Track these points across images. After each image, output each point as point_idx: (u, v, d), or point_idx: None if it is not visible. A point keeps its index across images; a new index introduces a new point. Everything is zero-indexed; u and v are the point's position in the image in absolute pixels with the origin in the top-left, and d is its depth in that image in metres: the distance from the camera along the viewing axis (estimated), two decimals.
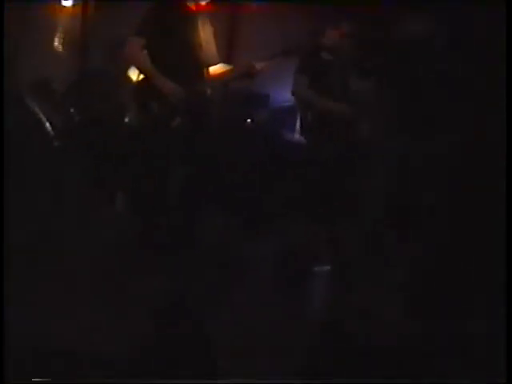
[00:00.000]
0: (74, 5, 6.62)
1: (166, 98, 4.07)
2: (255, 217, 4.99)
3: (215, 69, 4.40)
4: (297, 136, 5.12)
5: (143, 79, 4.21)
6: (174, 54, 4.18)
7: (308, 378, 2.95)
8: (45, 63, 6.19)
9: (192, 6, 4.31)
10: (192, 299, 3.49)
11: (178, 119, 4.11)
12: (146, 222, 4.19)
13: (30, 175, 4.42)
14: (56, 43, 6.50)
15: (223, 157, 4.78)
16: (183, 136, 4.16)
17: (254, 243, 4.62)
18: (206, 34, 4.38)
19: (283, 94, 5.36)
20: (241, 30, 6.72)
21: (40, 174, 4.56)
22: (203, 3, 4.32)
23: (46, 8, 6.56)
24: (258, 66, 4.27)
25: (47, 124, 4.93)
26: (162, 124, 4.11)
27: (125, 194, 4.78)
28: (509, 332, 2.97)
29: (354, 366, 2.99)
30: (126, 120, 5.11)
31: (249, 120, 5.71)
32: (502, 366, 2.87)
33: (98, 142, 5.05)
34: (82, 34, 6.52)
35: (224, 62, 4.58)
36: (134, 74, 4.37)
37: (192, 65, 4.24)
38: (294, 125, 5.30)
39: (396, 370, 3.12)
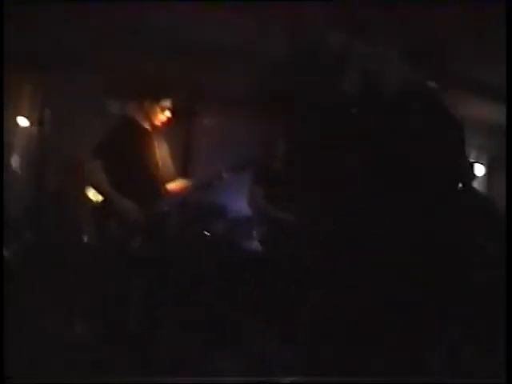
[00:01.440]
0: (31, 123, 6.65)
1: (125, 218, 4.15)
2: (219, 328, 4.98)
3: (173, 185, 4.52)
4: (255, 245, 5.18)
5: (102, 200, 4.28)
6: (132, 174, 4.28)
7: None
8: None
9: (147, 126, 4.45)
10: None
11: (138, 239, 4.18)
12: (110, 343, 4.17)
13: None
14: (13, 164, 6.52)
15: (185, 272, 4.81)
16: (143, 255, 4.21)
17: (220, 355, 4.61)
18: (161, 152, 4.52)
19: (239, 205, 5.45)
20: (195, 144, 6.87)
21: None
22: (158, 123, 4.48)
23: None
24: (224, 175, 4.37)
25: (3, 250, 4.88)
26: (123, 244, 4.16)
27: (86, 316, 4.73)
28: (509, 332, 3.01)
29: None
30: (85, 241, 5.13)
31: (206, 232, 5.77)
32: (502, 365, 2.89)
33: (58, 264, 5.04)
34: (40, 153, 6.55)
35: (181, 176, 4.72)
36: (93, 195, 4.44)
37: (150, 183, 4.35)
38: (251, 234, 5.37)
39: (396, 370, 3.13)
